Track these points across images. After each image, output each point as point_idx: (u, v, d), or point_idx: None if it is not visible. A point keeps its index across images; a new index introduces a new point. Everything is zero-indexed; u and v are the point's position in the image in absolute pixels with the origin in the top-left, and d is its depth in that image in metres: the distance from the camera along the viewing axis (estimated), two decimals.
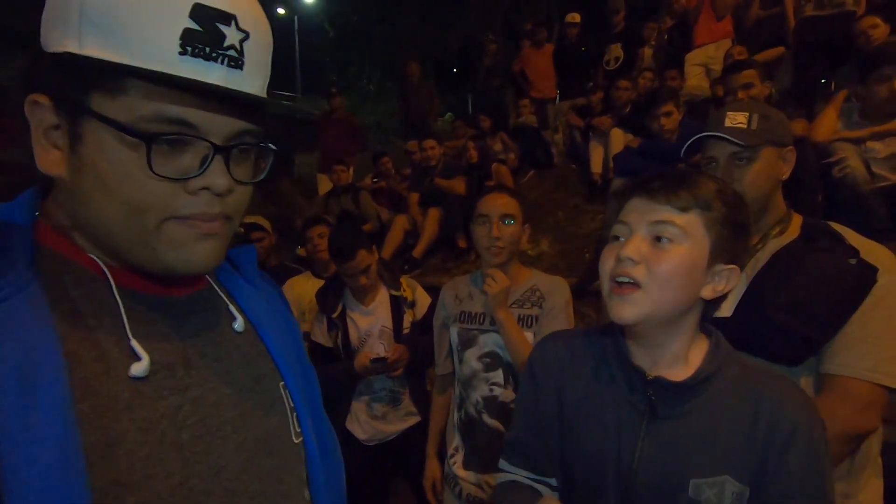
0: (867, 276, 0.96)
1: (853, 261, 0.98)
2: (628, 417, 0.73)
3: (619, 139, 3.69)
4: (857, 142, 2.17)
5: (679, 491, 0.69)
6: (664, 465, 0.70)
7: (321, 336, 2.00)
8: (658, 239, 0.69)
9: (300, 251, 2.54)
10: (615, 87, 4.20)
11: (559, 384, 0.81)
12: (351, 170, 5.52)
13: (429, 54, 7.71)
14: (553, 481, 0.84)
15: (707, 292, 0.71)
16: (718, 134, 1.07)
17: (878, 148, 2.17)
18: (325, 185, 5.24)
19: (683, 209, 0.69)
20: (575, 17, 5.41)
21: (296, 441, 0.59)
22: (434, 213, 4.04)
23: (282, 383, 0.60)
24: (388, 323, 1.98)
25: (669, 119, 3.05)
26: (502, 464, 0.89)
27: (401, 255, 4.15)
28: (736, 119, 1.06)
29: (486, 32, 6.79)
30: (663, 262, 0.67)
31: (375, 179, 5.35)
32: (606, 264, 0.72)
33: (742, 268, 0.75)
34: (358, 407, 1.98)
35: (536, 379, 0.84)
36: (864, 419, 0.93)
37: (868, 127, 2.17)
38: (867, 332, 0.94)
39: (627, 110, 4.09)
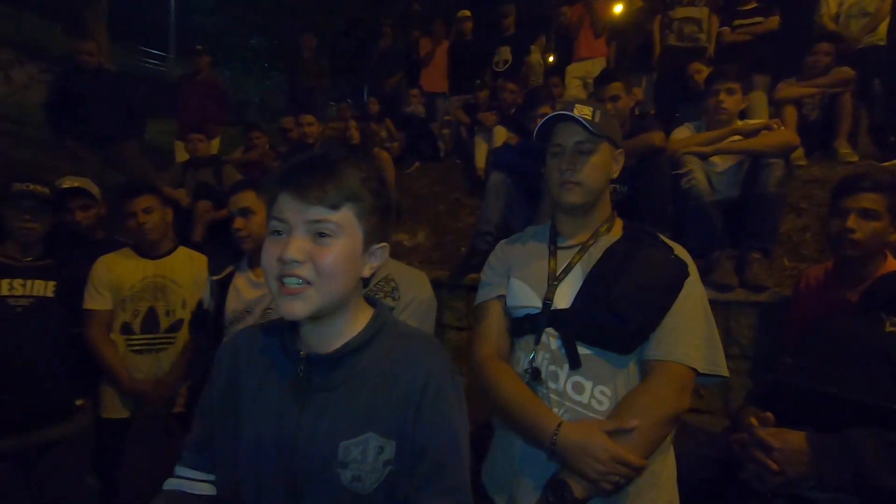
0: (683, 269, 1.11)
1: (673, 256, 1.13)
2: (290, 397, 0.76)
3: (502, 136, 3.73)
4: (703, 156, 2.36)
5: (331, 457, 0.73)
6: (319, 435, 0.74)
7: (207, 300, 1.74)
8: (319, 235, 0.71)
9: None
10: (503, 89, 4.26)
11: (235, 373, 0.82)
12: (216, 141, 4.90)
13: (320, 30, 7.18)
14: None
15: (366, 271, 0.78)
16: (570, 114, 1.15)
17: (718, 162, 2.39)
18: (182, 154, 4.56)
19: (335, 206, 0.71)
20: (466, 13, 5.41)
21: None
22: None
23: None
24: None
25: None
26: (176, 469, 0.84)
27: None
28: (583, 111, 1.16)
29: (379, 16, 6.55)
30: (327, 257, 0.71)
31: (246, 153, 4.79)
32: (271, 264, 0.72)
33: (388, 241, 0.81)
34: None
35: (218, 369, 0.84)
36: (682, 400, 1.06)
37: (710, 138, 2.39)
38: (680, 322, 1.08)
39: (513, 112, 4.16)
